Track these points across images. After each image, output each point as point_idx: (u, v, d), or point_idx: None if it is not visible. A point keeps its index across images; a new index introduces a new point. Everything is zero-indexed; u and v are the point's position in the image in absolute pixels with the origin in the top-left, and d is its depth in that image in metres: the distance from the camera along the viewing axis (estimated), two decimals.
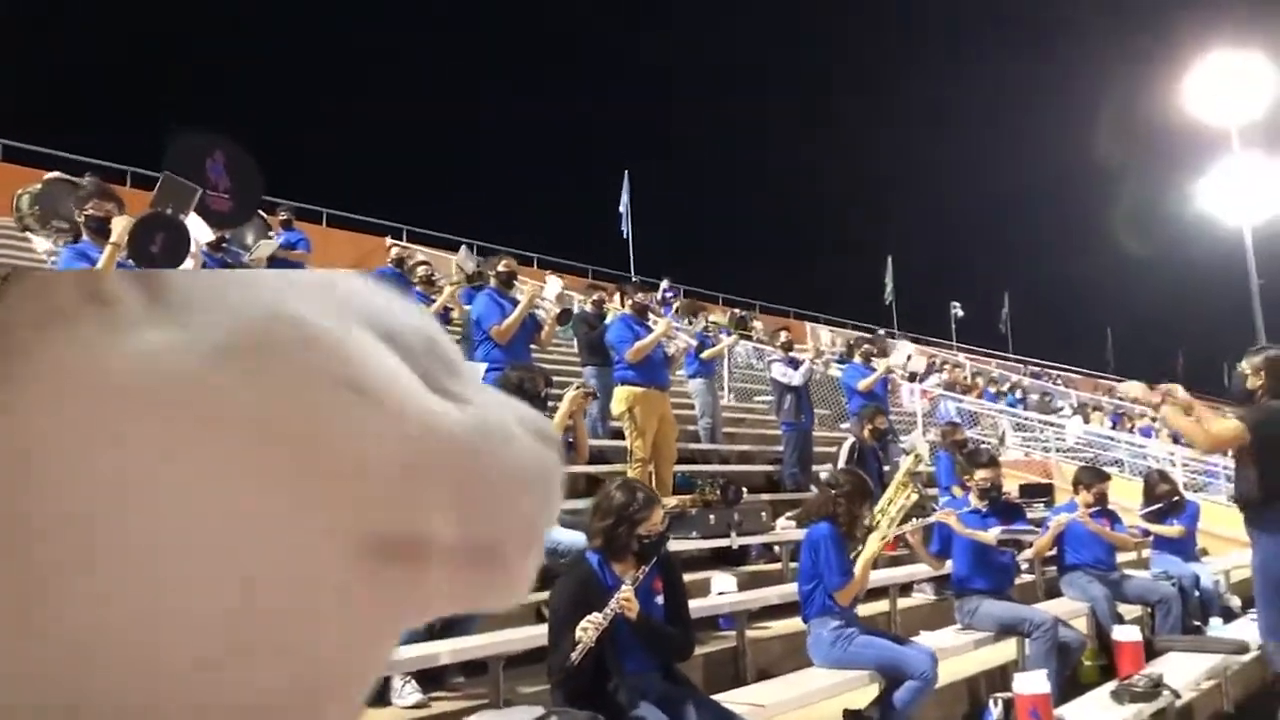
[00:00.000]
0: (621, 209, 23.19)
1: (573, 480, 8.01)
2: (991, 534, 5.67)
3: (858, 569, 4.45)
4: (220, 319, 0.26)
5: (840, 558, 4.42)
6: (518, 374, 5.31)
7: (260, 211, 10.17)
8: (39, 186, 8.68)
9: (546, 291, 6.56)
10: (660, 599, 3.42)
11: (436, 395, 0.28)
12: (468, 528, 0.27)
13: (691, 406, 10.03)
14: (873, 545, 4.52)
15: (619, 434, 8.12)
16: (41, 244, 8.58)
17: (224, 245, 6.34)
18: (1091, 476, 6.77)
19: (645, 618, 3.21)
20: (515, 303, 6.41)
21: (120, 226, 4.55)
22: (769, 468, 9.65)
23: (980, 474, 5.79)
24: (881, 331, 16.48)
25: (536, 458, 0.29)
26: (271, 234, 7.88)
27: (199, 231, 4.99)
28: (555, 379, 10.24)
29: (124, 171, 14.08)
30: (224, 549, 0.25)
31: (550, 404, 5.61)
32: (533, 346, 7.13)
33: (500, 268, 6.57)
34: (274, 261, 9.47)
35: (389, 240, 17.25)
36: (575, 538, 4.79)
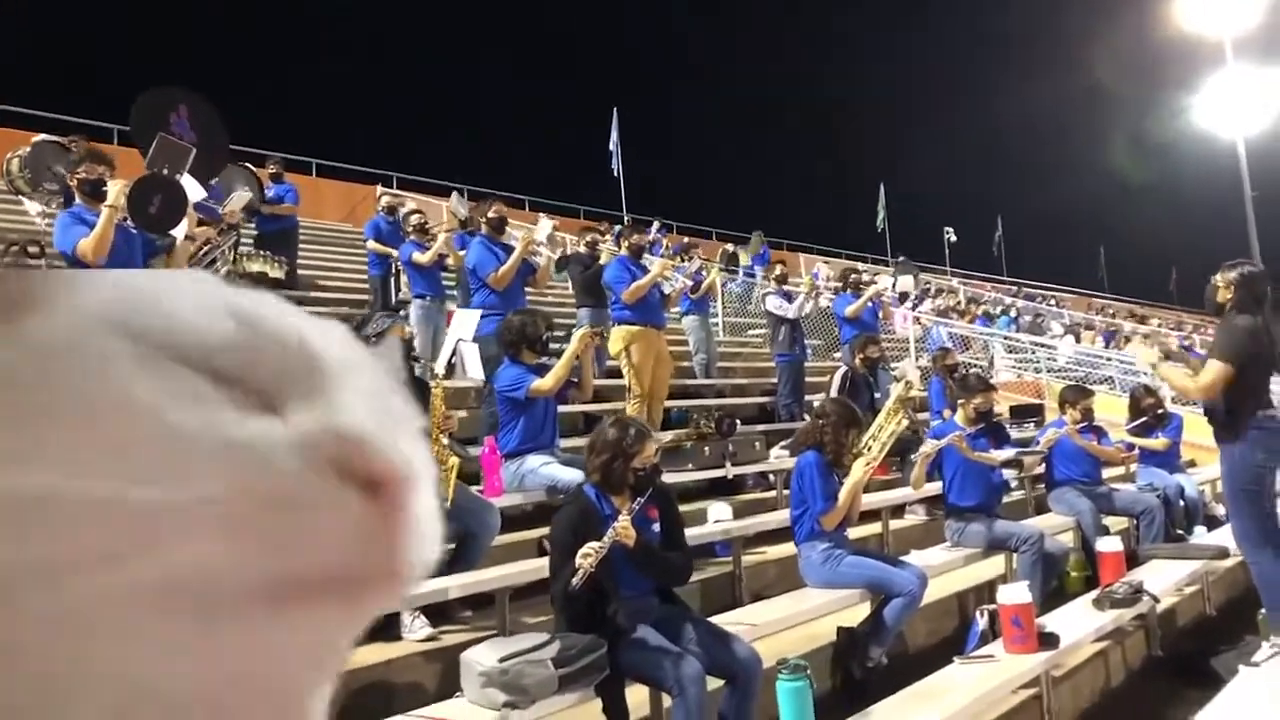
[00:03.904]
0: (611, 147, 23.13)
1: (571, 419, 8.20)
2: (1001, 455, 5.83)
3: (842, 494, 4.62)
4: None
5: (825, 484, 4.59)
6: (519, 318, 5.44)
7: (248, 164, 10.23)
8: (28, 149, 8.70)
9: (538, 234, 6.63)
10: (656, 527, 3.60)
11: (232, 411, 0.27)
12: (248, 565, 0.26)
13: (686, 344, 10.17)
14: (857, 472, 4.67)
15: (614, 373, 8.28)
16: (34, 207, 8.64)
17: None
18: (1076, 394, 6.94)
19: (642, 543, 3.39)
20: (508, 248, 6.50)
21: (116, 189, 4.63)
22: (763, 399, 9.82)
23: (976, 400, 5.90)
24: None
25: (295, 488, 0.26)
26: (245, 188, 7.89)
27: (193, 191, 5.07)
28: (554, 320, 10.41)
29: (110, 130, 14.02)
30: None
31: (553, 346, 5.75)
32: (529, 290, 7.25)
33: (491, 214, 6.62)
34: (255, 214, 9.51)
35: (379, 189, 17.22)
36: (575, 475, 4.97)
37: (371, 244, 9.95)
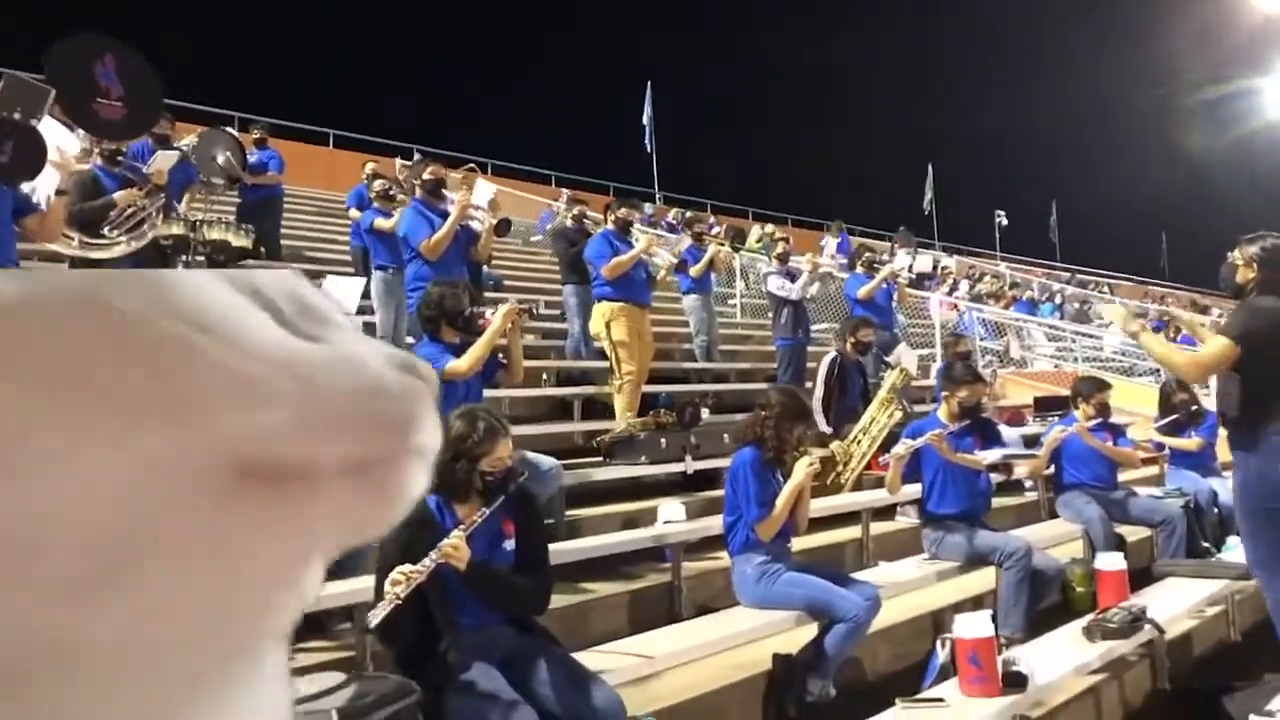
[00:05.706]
0: (644, 121, 22.41)
1: (544, 404, 7.61)
2: (989, 457, 5.13)
3: (780, 500, 3.95)
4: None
5: (761, 487, 3.93)
6: (439, 290, 4.84)
7: (229, 129, 9.74)
8: None
9: (477, 197, 5.98)
10: (511, 544, 2.98)
11: (293, 336, 0.26)
12: (314, 447, 0.25)
13: (682, 325, 9.53)
14: (798, 473, 3.99)
15: (603, 354, 7.69)
16: None
17: (120, 159, 5.86)
18: (1091, 387, 6.15)
19: (479, 566, 2.76)
20: (444, 215, 5.87)
21: None
22: (768, 385, 9.14)
23: (961, 393, 5.18)
24: (901, 229, 15.45)
25: (394, 381, 0.26)
26: (176, 143, 7.30)
27: (63, 140, 4.53)
28: (538, 297, 9.82)
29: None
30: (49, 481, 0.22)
31: (481, 321, 5.14)
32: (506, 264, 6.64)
33: (426, 175, 5.98)
34: (238, 182, 9.02)
35: (397, 161, 16.71)
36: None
37: (354, 213, 9.46)
